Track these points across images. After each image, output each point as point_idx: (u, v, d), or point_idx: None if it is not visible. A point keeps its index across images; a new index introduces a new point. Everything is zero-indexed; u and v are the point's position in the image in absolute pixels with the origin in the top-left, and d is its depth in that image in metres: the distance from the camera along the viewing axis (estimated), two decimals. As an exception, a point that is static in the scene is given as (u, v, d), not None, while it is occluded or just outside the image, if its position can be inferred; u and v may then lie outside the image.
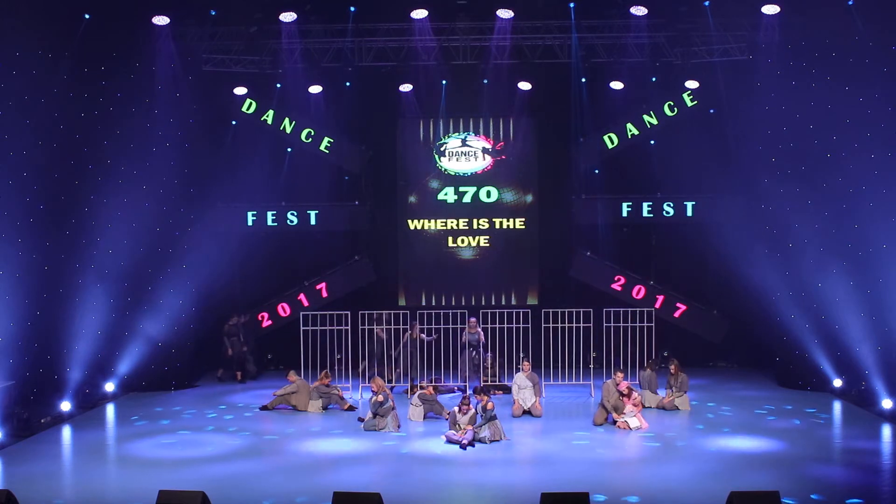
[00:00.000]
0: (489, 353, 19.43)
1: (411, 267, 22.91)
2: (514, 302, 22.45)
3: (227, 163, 21.27)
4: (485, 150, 22.61)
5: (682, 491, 12.58)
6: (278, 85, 21.26)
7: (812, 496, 12.20)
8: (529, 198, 22.75)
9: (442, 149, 22.65)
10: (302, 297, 22.06)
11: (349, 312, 19.12)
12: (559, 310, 19.01)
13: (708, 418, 16.88)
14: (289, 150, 22.06)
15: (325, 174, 22.06)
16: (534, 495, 10.92)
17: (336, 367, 19.12)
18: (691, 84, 21.11)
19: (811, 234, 18.77)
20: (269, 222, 22.18)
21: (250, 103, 21.58)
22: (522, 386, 17.38)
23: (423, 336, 19.26)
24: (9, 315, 16.39)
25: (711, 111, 21.17)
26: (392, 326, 19.14)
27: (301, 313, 19.63)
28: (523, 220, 22.72)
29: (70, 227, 18.29)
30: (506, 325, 19.21)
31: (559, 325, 18.96)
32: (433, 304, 22.11)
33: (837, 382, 18.59)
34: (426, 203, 22.80)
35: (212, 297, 20.55)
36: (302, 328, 19.16)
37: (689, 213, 21.90)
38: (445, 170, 22.68)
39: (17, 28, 16.26)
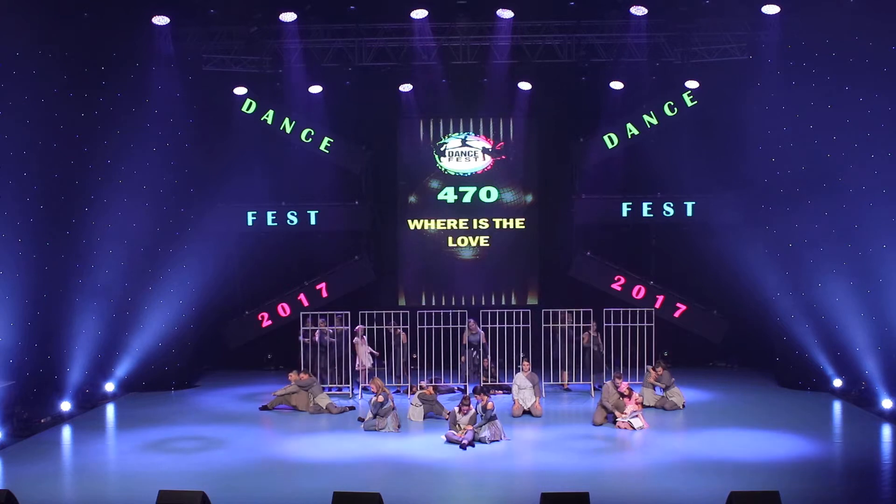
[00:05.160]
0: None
1: (411, 267, 22.89)
2: (514, 302, 22.44)
3: (227, 163, 21.25)
4: (485, 150, 22.59)
5: (683, 491, 12.59)
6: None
7: (812, 496, 12.20)
8: (529, 198, 22.74)
9: (442, 149, 22.64)
10: (302, 297, 22.04)
11: (349, 312, 19.13)
12: (559, 310, 19.01)
13: (708, 418, 16.88)
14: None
15: (325, 174, 22.04)
16: (534, 495, 10.93)
17: (336, 368, 19.10)
18: (691, 84, 21.09)
19: (811, 234, 18.78)
20: (269, 222, 22.13)
21: (250, 103, 21.55)
22: (522, 386, 17.37)
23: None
24: (9, 315, 16.41)
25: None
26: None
27: (301, 313, 19.64)
28: (523, 220, 22.71)
29: (70, 227, 18.30)
30: (506, 325, 19.22)
31: (559, 325, 18.97)
32: (433, 304, 22.10)
33: (837, 382, 18.58)
34: (426, 203, 22.78)
35: (211, 297, 20.54)
36: (302, 328, 19.18)
37: (689, 213, 21.86)
38: (445, 170, 22.67)
39: (17, 28, 16.25)
